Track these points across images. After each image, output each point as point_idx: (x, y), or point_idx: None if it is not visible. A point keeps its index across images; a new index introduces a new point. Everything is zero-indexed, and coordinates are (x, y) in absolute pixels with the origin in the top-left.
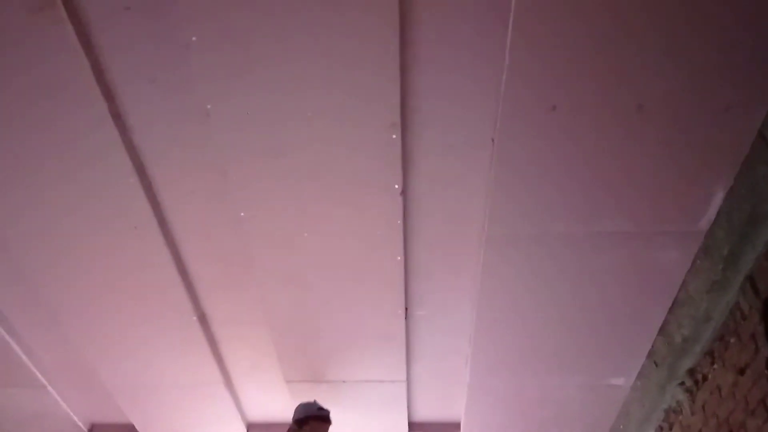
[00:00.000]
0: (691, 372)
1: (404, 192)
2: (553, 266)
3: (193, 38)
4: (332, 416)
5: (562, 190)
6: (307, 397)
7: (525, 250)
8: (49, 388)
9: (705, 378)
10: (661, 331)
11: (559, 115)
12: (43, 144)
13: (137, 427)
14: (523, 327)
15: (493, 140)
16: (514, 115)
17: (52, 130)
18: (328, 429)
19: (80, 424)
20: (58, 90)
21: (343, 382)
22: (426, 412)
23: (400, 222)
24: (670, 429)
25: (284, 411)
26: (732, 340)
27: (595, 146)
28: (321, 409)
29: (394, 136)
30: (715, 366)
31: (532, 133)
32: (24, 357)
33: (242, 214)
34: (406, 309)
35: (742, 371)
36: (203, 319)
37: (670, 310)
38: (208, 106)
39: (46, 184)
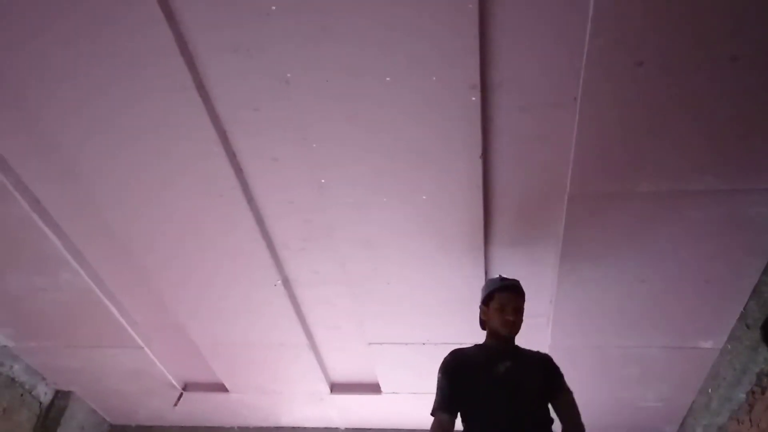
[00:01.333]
0: None
1: (484, 154)
2: (638, 226)
3: (273, 7)
4: (414, 376)
5: (648, 148)
6: (388, 358)
7: (609, 209)
8: (146, 349)
9: None
10: (754, 292)
11: (645, 70)
12: (132, 116)
13: (227, 385)
14: (606, 288)
15: (576, 99)
16: (598, 73)
17: (141, 102)
18: (516, 299)
19: (174, 382)
20: (144, 64)
21: (424, 344)
22: None
23: (479, 185)
24: (763, 393)
25: (366, 372)
26: None
27: (684, 102)
28: (504, 279)
29: (473, 98)
30: None
31: (617, 91)
32: (122, 320)
33: (323, 180)
34: (486, 271)
35: None
36: (287, 282)
37: (765, 271)
38: (288, 75)
39: (136, 155)
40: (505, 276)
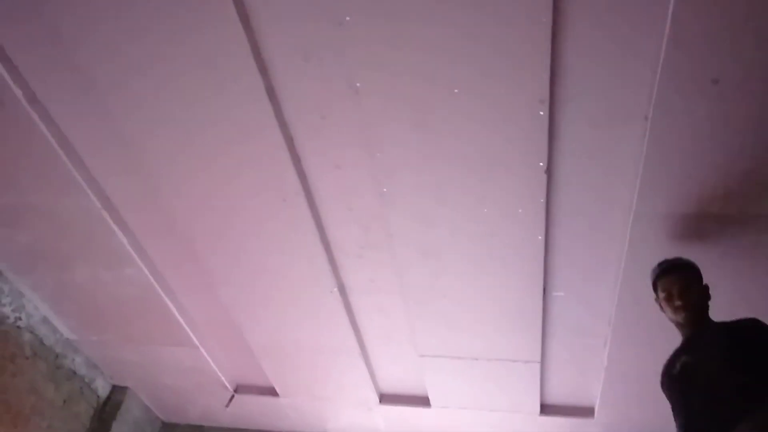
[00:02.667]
0: None
1: (549, 169)
2: (704, 247)
3: (347, 17)
4: (464, 391)
5: (720, 168)
6: (439, 371)
7: (675, 230)
8: (201, 348)
9: None
10: None
11: (720, 88)
12: (201, 115)
13: (277, 389)
14: None
15: (647, 117)
16: (672, 90)
17: (210, 102)
18: (679, 280)
19: (227, 383)
20: (216, 65)
21: (476, 359)
22: (559, 395)
23: (543, 200)
24: None
25: (416, 384)
26: None
27: (759, 122)
28: (661, 263)
29: (541, 113)
30: None
31: (690, 109)
32: (180, 318)
33: (384, 189)
34: (544, 288)
35: None
36: (342, 289)
37: None
38: (358, 84)
39: (203, 154)
40: (665, 258)
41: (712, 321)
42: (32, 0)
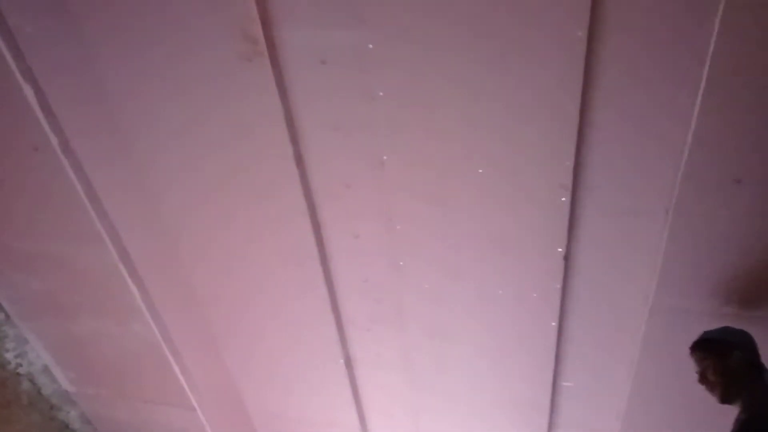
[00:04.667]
0: None
1: (567, 256)
2: None
3: (381, 93)
4: None
5: (739, 268)
6: None
7: (692, 326)
8: (198, 411)
9: None
10: None
11: (743, 188)
12: (228, 176)
13: None
14: (682, 409)
15: (667, 211)
16: (693, 187)
17: (239, 164)
18: (703, 360)
19: None
20: (250, 131)
21: None
22: None
23: (559, 286)
24: None
25: None
26: None
27: None
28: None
29: (563, 199)
30: None
31: (711, 207)
32: (181, 378)
33: (401, 263)
34: (554, 377)
35: None
36: (348, 361)
37: None
38: (384, 157)
39: (224, 213)
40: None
41: None
42: (82, 57)
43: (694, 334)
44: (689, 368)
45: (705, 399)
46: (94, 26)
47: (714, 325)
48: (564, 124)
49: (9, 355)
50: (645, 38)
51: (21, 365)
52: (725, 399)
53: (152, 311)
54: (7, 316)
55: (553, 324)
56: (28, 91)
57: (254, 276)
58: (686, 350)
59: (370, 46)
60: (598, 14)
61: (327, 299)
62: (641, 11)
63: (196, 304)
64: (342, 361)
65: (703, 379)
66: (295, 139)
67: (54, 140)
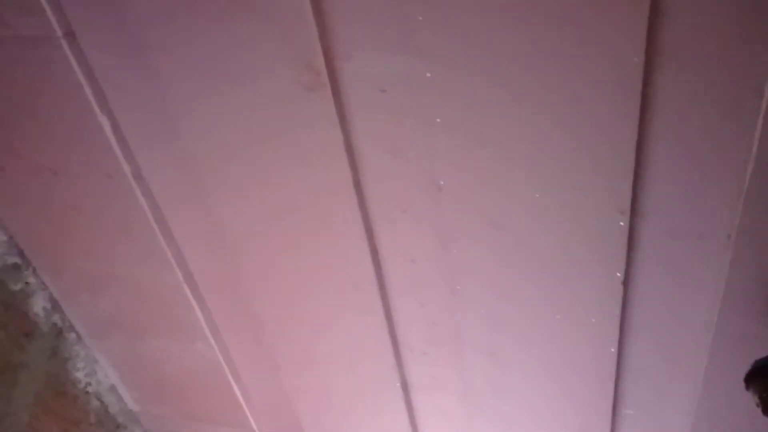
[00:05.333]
0: None
1: (626, 281)
2: None
3: (438, 119)
4: None
5: None
6: None
7: (757, 352)
8: None
9: None
10: None
11: None
12: (287, 200)
13: None
14: None
15: (729, 236)
16: (757, 210)
17: (298, 189)
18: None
19: None
20: (311, 157)
21: None
22: None
23: (618, 311)
24: None
25: None
26: None
27: None
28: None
29: (621, 224)
30: None
31: None
32: (241, 399)
33: (458, 287)
34: (614, 405)
35: None
36: (405, 386)
37: None
38: (441, 182)
39: (285, 237)
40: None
41: None
42: (158, 94)
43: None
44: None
45: None
46: (169, 63)
47: None
48: (621, 149)
49: (79, 374)
50: (704, 63)
51: (90, 384)
52: None
53: (214, 332)
54: (79, 337)
55: (613, 350)
56: (105, 123)
57: (312, 299)
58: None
59: (428, 74)
60: (655, 41)
61: (384, 324)
62: (700, 37)
63: (256, 325)
64: (399, 385)
65: (767, 409)
66: (354, 165)
67: (126, 168)
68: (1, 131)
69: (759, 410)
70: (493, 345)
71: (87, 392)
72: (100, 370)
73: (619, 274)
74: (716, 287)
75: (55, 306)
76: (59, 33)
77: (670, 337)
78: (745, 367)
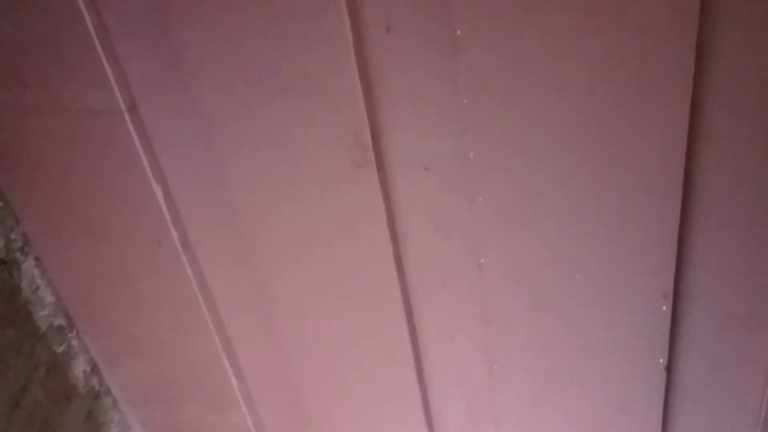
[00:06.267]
0: None
1: (669, 367)
2: None
3: (480, 198)
4: None
5: None
6: None
7: None
8: None
9: None
10: None
11: None
12: (330, 272)
13: None
14: None
15: None
16: None
17: (341, 261)
18: None
19: None
20: (354, 230)
21: None
22: None
23: (660, 398)
24: None
25: None
26: None
27: None
28: None
29: (664, 308)
30: None
31: None
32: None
33: (495, 367)
34: None
35: None
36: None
37: None
38: (482, 260)
39: (324, 309)
40: None
41: None
42: (212, 166)
43: None
44: None
45: None
46: (224, 135)
47: None
48: (664, 233)
49: None
50: (749, 144)
51: None
52: None
53: (249, 402)
54: (115, 401)
55: None
56: (158, 191)
57: (349, 371)
58: None
59: (471, 154)
60: (697, 127)
61: (419, 399)
62: (740, 125)
63: (293, 397)
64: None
65: None
66: (395, 239)
67: (175, 235)
68: (60, 195)
69: None
70: (531, 428)
71: None
72: None
73: (662, 360)
74: (765, 376)
75: (95, 369)
76: (123, 107)
77: (716, 427)
78: None
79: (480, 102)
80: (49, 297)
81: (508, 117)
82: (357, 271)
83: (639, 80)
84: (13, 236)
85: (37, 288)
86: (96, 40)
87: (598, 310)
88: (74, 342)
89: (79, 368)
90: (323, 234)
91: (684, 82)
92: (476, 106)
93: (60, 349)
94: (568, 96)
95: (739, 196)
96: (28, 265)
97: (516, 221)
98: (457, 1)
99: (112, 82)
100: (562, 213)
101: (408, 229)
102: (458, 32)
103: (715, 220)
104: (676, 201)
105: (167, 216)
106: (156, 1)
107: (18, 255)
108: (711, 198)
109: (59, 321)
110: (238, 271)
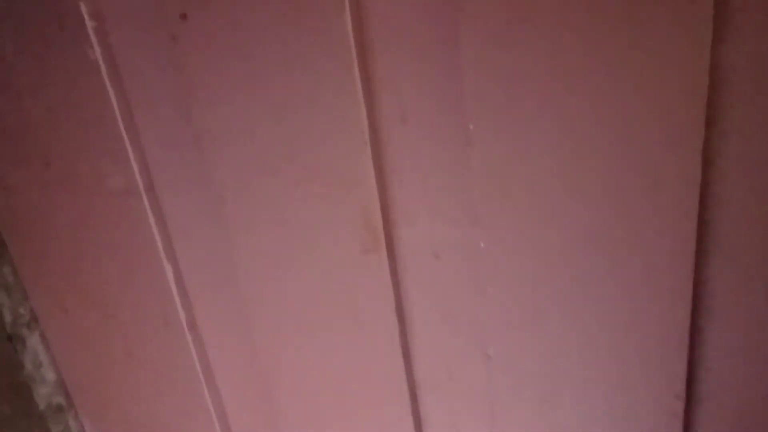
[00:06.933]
0: None
1: None
2: None
3: (489, 289)
4: None
5: None
6: None
7: None
8: None
9: None
10: None
11: None
12: (337, 364)
13: None
14: None
15: None
16: None
17: (347, 352)
18: None
19: None
20: (361, 317)
21: None
22: None
23: None
24: None
25: None
26: None
27: None
28: None
29: (677, 410)
30: None
31: None
32: None
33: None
34: None
35: None
36: None
37: None
38: (490, 352)
39: (336, 391)
40: None
41: None
42: (224, 248)
43: None
44: None
45: None
46: (238, 217)
47: None
48: (673, 333)
49: None
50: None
51: None
52: None
53: None
54: None
55: None
56: (168, 270)
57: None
58: None
59: (482, 244)
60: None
61: None
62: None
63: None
64: None
65: None
66: (403, 328)
67: (182, 315)
68: (71, 271)
69: None
70: None
71: None
72: None
73: None
74: None
75: None
76: (141, 187)
77: None
78: None
79: (491, 194)
80: (50, 375)
81: (519, 209)
82: (363, 358)
83: (648, 182)
84: (21, 311)
85: (40, 365)
86: (121, 123)
87: (608, 409)
88: (71, 423)
89: None
90: (330, 321)
91: (691, 200)
92: (487, 198)
93: (57, 430)
94: (579, 192)
95: (749, 292)
96: (34, 341)
97: (526, 315)
98: (470, 97)
99: (133, 163)
100: (573, 307)
101: (416, 318)
102: (471, 126)
103: (726, 321)
104: (686, 298)
105: (175, 295)
106: (181, 88)
107: (24, 330)
108: (723, 297)
109: (58, 399)
110: (243, 358)
